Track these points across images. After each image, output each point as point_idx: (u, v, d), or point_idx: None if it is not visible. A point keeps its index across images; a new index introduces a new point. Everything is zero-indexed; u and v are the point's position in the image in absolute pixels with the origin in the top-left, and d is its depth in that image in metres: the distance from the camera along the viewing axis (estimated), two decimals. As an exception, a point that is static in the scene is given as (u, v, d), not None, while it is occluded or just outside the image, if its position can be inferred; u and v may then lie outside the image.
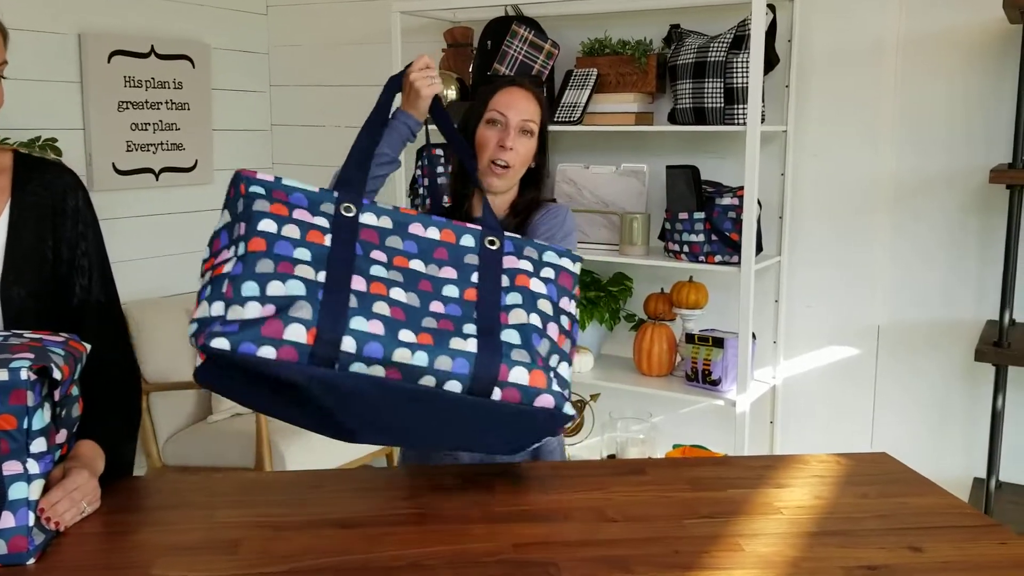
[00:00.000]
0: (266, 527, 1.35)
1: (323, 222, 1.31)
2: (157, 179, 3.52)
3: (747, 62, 2.69)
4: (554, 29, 3.17)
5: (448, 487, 1.52)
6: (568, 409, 1.38)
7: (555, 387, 1.36)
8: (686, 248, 2.84)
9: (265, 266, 1.25)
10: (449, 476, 1.57)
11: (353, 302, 1.26)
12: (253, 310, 1.23)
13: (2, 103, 1.48)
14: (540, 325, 1.36)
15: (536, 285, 1.39)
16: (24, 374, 1.22)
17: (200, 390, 3.46)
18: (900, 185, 2.85)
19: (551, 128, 3.00)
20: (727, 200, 2.78)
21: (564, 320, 1.42)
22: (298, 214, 1.30)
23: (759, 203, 2.84)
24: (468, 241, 1.39)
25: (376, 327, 1.26)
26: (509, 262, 1.40)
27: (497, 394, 1.32)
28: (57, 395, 1.31)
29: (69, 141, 3.17)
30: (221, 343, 1.23)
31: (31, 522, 1.23)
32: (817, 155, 2.96)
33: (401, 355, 1.27)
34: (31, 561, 1.22)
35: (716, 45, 2.78)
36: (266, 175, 1.34)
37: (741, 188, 2.74)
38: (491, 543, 1.31)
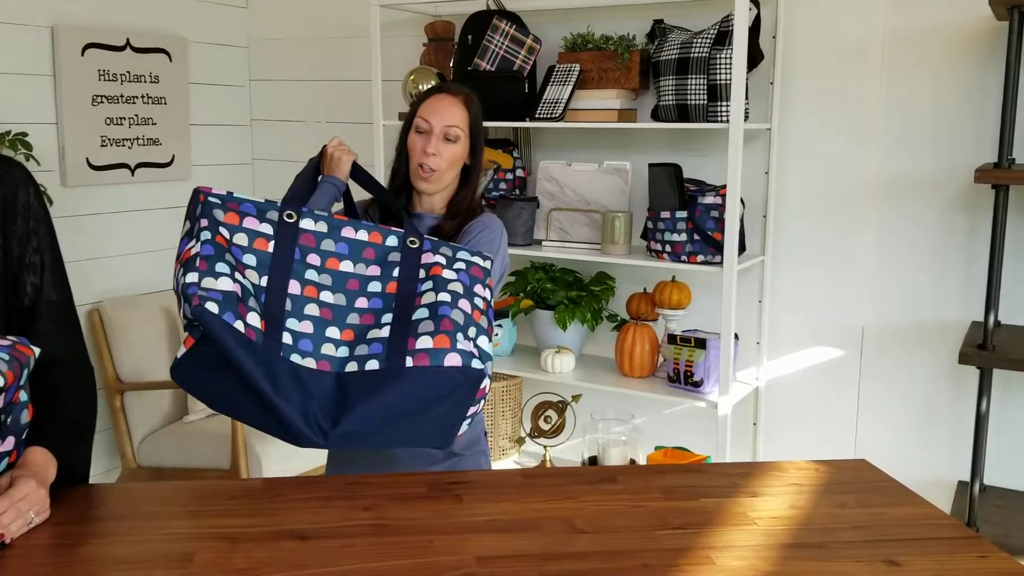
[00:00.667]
0: (222, 539, 1.30)
1: (268, 229, 1.50)
2: (133, 175, 3.45)
3: (730, 58, 2.65)
4: (536, 24, 3.12)
5: (414, 496, 1.47)
6: (477, 364, 1.50)
7: (460, 346, 1.49)
8: (668, 248, 2.80)
9: (229, 259, 1.46)
10: (416, 485, 1.53)
11: (288, 305, 1.49)
12: (225, 283, 1.43)
13: None
14: (449, 300, 1.53)
15: (448, 274, 1.57)
16: (-38, 381, 1.16)
17: (176, 390, 3.40)
18: (885, 184, 2.81)
19: (534, 125, 2.98)
20: (710, 199, 2.74)
21: (478, 301, 1.58)
22: (248, 222, 1.50)
23: (742, 202, 2.80)
24: (392, 242, 1.58)
25: (307, 327, 1.49)
26: (426, 258, 1.58)
27: (408, 361, 1.47)
28: (1, 402, 1.25)
29: (42, 136, 3.10)
30: (212, 307, 1.40)
31: (-29, 535, 1.18)
32: (802, 153, 2.92)
33: (327, 349, 1.49)
34: (-30, 576, 1.17)
35: (699, 41, 2.73)
36: (220, 190, 1.53)
37: (724, 187, 2.69)
38: (454, 556, 1.26)
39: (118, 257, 3.45)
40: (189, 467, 3.21)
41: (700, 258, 2.76)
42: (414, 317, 1.51)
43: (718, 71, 2.70)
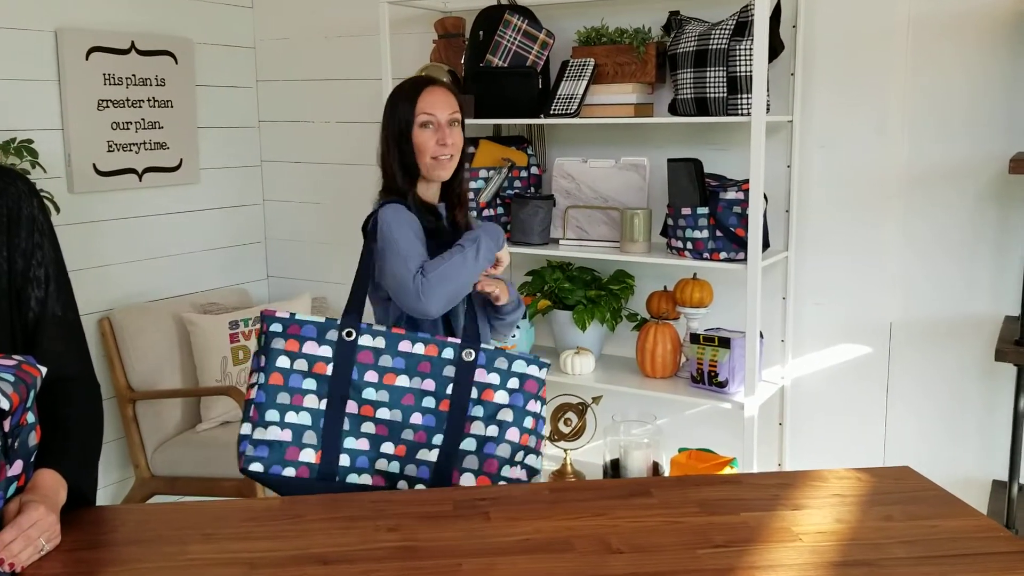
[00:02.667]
0: (240, 564, 1.24)
1: (327, 351, 1.65)
2: (140, 180, 3.40)
3: (750, 49, 2.57)
4: (549, 18, 3.05)
5: (440, 515, 1.41)
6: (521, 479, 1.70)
7: (505, 474, 1.67)
8: (689, 245, 2.72)
9: (283, 398, 1.63)
10: (442, 503, 1.46)
11: (346, 425, 1.63)
12: (274, 433, 1.62)
13: None
14: (496, 435, 1.66)
15: (500, 396, 1.68)
16: (-36, 408, 1.11)
17: (189, 398, 3.34)
18: (912, 176, 2.73)
19: (548, 121, 2.91)
20: (732, 194, 2.66)
21: (528, 421, 1.70)
22: (308, 347, 1.65)
23: (765, 197, 2.72)
24: (448, 354, 1.68)
25: (363, 444, 1.64)
26: (479, 375, 1.68)
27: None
28: (7, 425, 1.19)
29: (47, 142, 3.05)
30: (256, 467, 1.62)
31: (-22, 568, 1.12)
32: (825, 146, 2.84)
33: (381, 464, 1.64)
34: (-22, 611, 1.11)
35: (718, 32, 2.66)
36: (284, 312, 1.67)
37: (746, 181, 2.62)
38: (484, 581, 1.20)
39: (127, 264, 3.39)
40: (203, 476, 3.16)
41: (723, 255, 2.68)
42: (462, 447, 1.66)
43: (738, 63, 2.62)
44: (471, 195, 2.73)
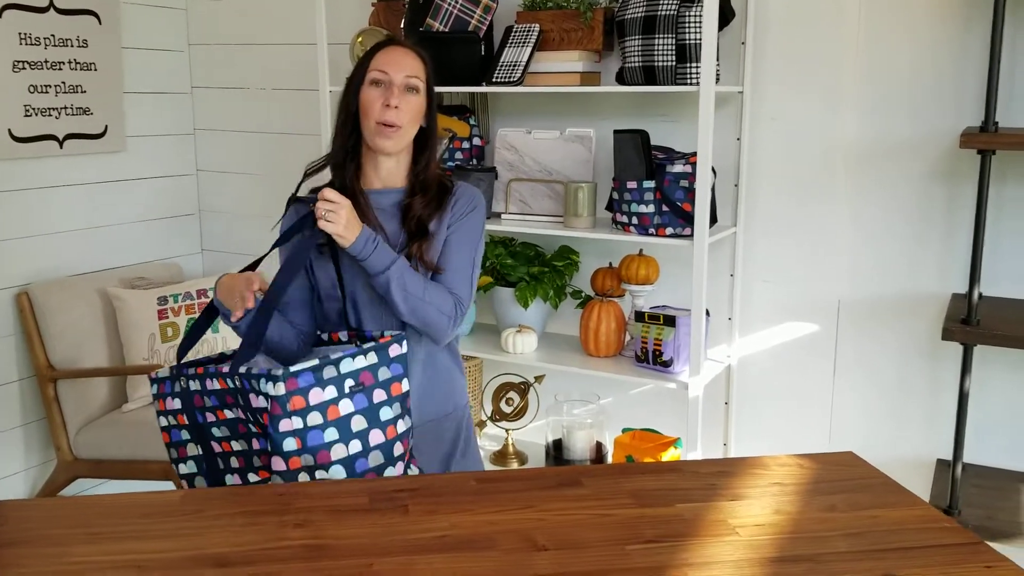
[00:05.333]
0: (127, 568, 1.13)
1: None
2: (61, 147, 3.21)
3: (700, 16, 2.47)
4: (492, -19, 2.91)
5: (353, 509, 1.30)
6: None
7: None
8: (635, 220, 2.63)
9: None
10: (358, 495, 1.36)
11: None
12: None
13: None
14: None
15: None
16: None
17: (114, 377, 3.18)
18: (862, 151, 2.66)
19: (490, 90, 2.79)
20: (679, 167, 2.57)
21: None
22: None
23: (713, 171, 2.63)
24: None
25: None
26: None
27: None
28: None
29: (-44, 105, 2.86)
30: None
31: None
32: (775, 119, 2.76)
33: None
34: None
35: (667, -2, 2.55)
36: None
37: (694, 154, 2.53)
38: (397, 583, 1.10)
39: (47, 236, 3.21)
40: (129, 459, 3.02)
41: (669, 230, 2.60)
42: None
43: (687, 30, 2.52)
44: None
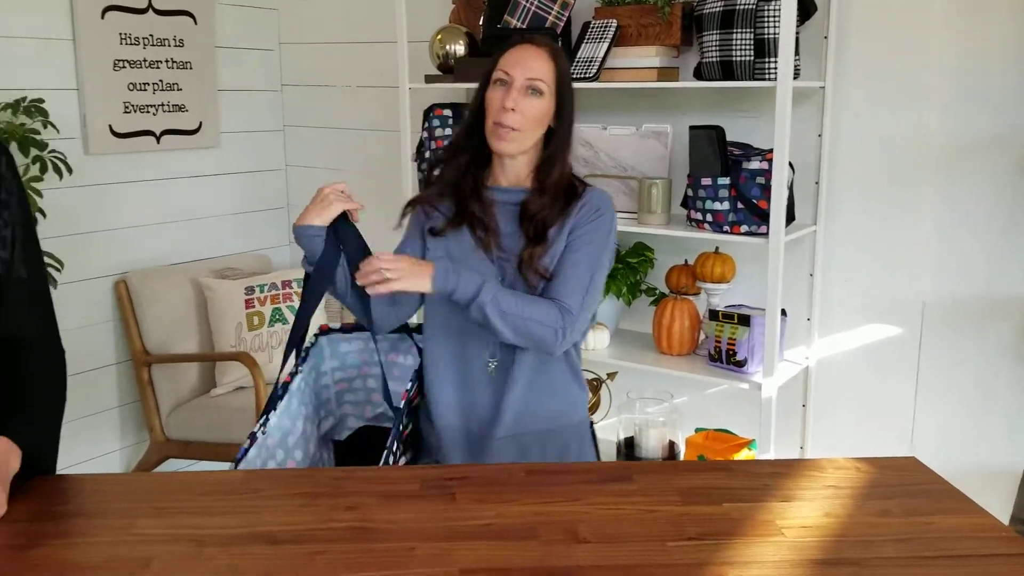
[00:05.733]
0: (187, 541, 1.19)
1: None
2: (158, 142, 3.36)
3: (779, 10, 2.42)
4: (572, -22, 2.92)
5: (404, 495, 1.34)
6: None
7: None
8: (709, 217, 2.60)
9: None
10: (409, 481, 1.39)
11: None
12: None
13: None
14: None
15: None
16: None
17: (204, 363, 3.32)
18: (950, 148, 2.56)
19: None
20: (755, 164, 2.53)
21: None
22: None
23: (791, 167, 2.58)
24: None
25: None
26: None
27: None
28: (-59, 391, 1.15)
29: (62, 102, 3.02)
30: None
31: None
32: (859, 115, 2.68)
33: None
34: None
35: (745, -8, 2.51)
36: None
37: (771, 151, 2.48)
38: (435, 568, 1.13)
39: (144, 227, 3.37)
40: (215, 441, 3.14)
41: (744, 228, 2.56)
42: None
43: (766, 24, 2.48)
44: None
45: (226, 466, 3.01)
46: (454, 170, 1.81)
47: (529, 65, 1.71)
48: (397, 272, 1.61)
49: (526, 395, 1.79)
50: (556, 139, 1.77)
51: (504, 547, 1.18)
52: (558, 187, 1.76)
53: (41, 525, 1.24)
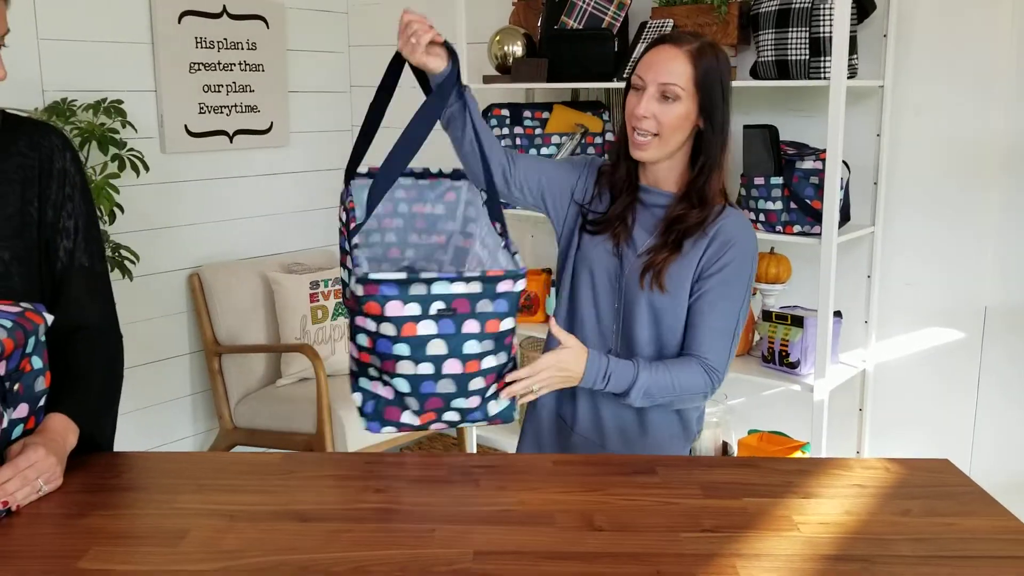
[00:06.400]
0: (221, 516, 1.26)
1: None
2: (231, 141, 3.50)
3: (834, 9, 2.40)
4: (630, -22, 2.94)
5: (431, 480, 1.39)
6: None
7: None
8: (762, 216, 2.59)
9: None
10: (438, 467, 1.44)
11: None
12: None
13: (4, 76, 1.41)
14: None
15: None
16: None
17: (270, 354, 3.44)
18: (1013, 146, 2.50)
19: (621, 85, 2.80)
20: (809, 163, 2.51)
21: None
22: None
23: (847, 167, 2.55)
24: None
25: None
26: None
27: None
28: (2, 369, 1.24)
29: (141, 103, 3.18)
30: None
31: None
32: (919, 114, 2.63)
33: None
34: (-40, 543, 1.17)
35: (802, -10, 2.50)
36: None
37: (824, 150, 2.46)
38: (451, 549, 1.17)
39: (217, 223, 3.51)
40: (278, 430, 3.26)
41: (796, 228, 2.54)
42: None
43: (821, 23, 2.46)
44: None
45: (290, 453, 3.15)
46: (611, 169, 1.76)
47: (662, 68, 1.60)
48: (544, 382, 1.54)
49: (626, 421, 1.74)
50: (706, 142, 1.64)
51: (520, 532, 1.22)
52: (711, 198, 1.65)
53: (92, 496, 1.33)
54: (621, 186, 1.72)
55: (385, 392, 1.43)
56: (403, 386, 1.40)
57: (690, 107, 1.61)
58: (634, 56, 1.71)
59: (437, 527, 1.23)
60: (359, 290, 1.35)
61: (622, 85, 2.77)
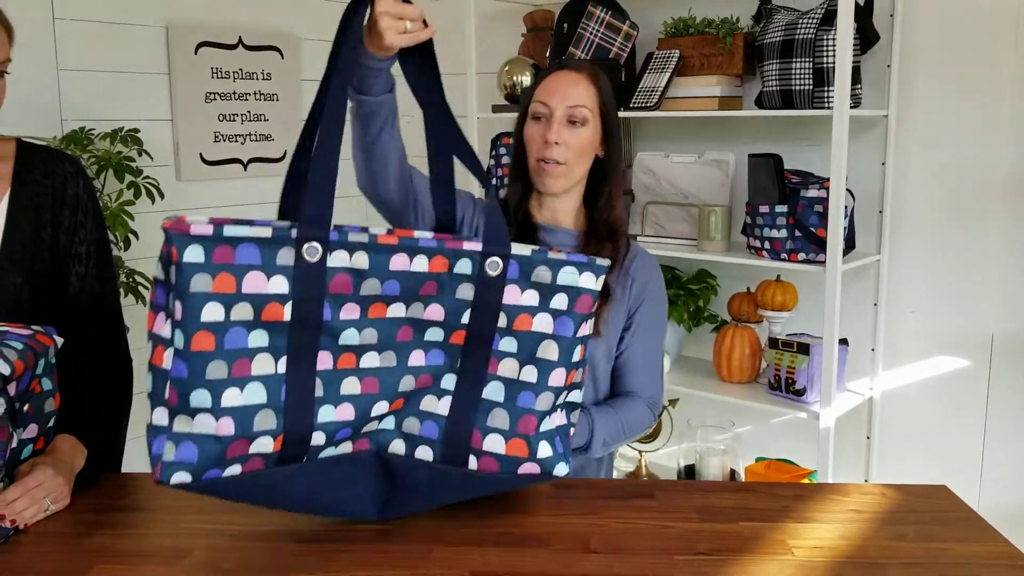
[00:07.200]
0: (223, 536, 1.28)
1: (282, 286, 1.07)
2: (245, 169, 3.55)
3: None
4: (635, 9, 2.98)
5: (429, 501, 1.41)
6: (561, 470, 1.25)
7: (542, 454, 1.23)
8: (767, 244, 2.61)
9: (217, 370, 1.06)
10: (437, 489, 1.46)
11: (319, 390, 1.12)
12: (204, 425, 1.07)
13: (2, 102, 1.45)
14: (535, 381, 1.19)
15: (541, 324, 1.18)
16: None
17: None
18: (1019, 175, 2.51)
19: (627, 115, 2.84)
20: (813, 192, 2.53)
21: (577, 352, 1.21)
22: (250, 281, 1.06)
23: (851, 195, 2.57)
24: (464, 267, 1.15)
25: (346, 412, 1.14)
26: (511, 295, 1.16)
27: (473, 463, 1.23)
28: (12, 390, 1.27)
29: (157, 132, 3.24)
30: (182, 478, 1.10)
31: (-23, 519, 1.20)
32: (923, 143, 2.65)
33: (369, 427, 1.19)
34: (-32, 560, 1.19)
35: (805, 21, 2.53)
36: (202, 227, 1.05)
37: (829, 179, 2.48)
38: (448, 569, 1.19)
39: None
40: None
41: (801, 256, 2.56)
42: (485, 395, 1.19)
43: (824, 53, 2.49)
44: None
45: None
46: (503, 210, 1.61)
47: (568, 92, 1.57)
48: None
49: None
50: (608, 169, 1.62)
51: (514, 553, 1.24)
52: (617, 228, 1.62)
53: (98, 516, 1.35)
54: (519, 228, 1.62)
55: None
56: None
57: (595, 131, 1.59)
58: (526, 87, 1.58)
59: (434, 547, 1.25)
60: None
61: (630, 115, 2.82)
